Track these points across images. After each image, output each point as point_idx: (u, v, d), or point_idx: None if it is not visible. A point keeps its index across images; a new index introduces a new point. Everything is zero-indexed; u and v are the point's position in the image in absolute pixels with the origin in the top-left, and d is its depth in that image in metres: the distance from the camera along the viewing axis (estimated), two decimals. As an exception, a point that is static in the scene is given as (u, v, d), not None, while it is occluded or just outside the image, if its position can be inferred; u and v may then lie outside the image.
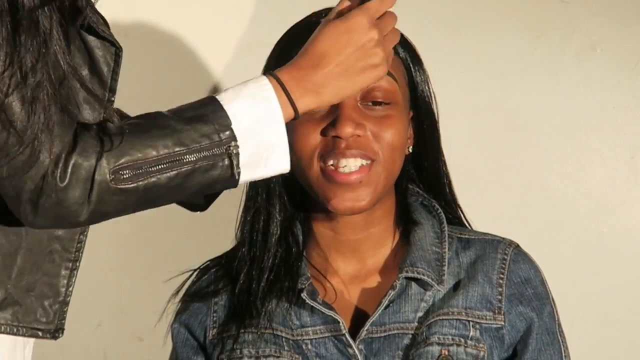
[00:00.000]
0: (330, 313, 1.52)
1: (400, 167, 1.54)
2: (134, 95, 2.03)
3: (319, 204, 1.52)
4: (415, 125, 1.59)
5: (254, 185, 1.58)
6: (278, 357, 1.53)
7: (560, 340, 1.56)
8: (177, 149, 1.25)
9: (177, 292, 1.63)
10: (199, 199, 1.58)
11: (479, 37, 2.07)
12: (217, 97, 1.30)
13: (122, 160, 1.24)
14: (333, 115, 1.49)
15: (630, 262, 2.09)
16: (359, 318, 1.54)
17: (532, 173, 2.08)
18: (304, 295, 1.52)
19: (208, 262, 1.65)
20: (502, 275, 1.56)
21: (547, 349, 1.55)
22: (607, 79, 2.08)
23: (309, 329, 1.54)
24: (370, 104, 1.50)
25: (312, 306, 1.52)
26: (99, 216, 1.26)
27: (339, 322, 1.52)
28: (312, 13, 1.58)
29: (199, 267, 1.64)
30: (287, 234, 1.58)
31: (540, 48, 2.07)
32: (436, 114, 1.60)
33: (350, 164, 1.48)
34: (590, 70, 2.08)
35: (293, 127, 1.47)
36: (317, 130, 1.50)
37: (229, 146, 1.27)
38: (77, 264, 1.34)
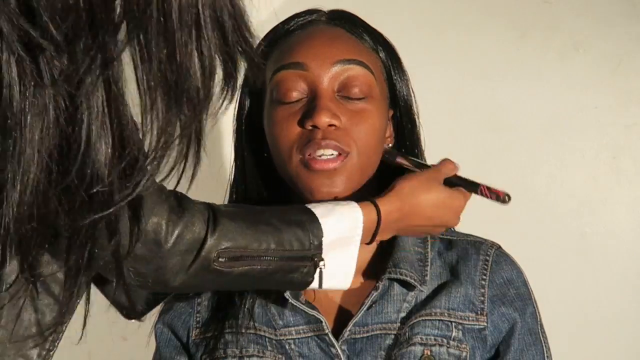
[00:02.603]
0: (313, 313, 1.52)
1: (377, 161, 1.55)
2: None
3: (300, 198, 1.52)
4: (395, 124, 1.60)
5: (234, 190, 1.60)
6: (261, 357, 1.53)
7: (543, 341, 1.57)
8: (274, 247, 1.37)
9: (161, 292, 1.63)
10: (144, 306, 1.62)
11: (462, 36, 2.07)
12: (312, 209, 1.42)
13: (229, 245, 1.33)
14: (311, 105, 1.50)
15: (612, 261, 2.10)
16: (342, 318, 1.55)
17: (514, 173, 2.09)
18: (287, 295, 1.52)
19: (192, 263, 1.65)
20: (484, 277, 1.56)
21: (529, 349, 1.55)
22: (590, 79, 2.08)
23: (292, 328, 1.54)
24: (346, 97, 1.51)
25: (295, 306, 1.53)
26: (189, 287, 1.35)
27: (321, 322, 1.52)
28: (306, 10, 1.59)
29: (182, 268, 1.64)
30: None
31: (523, 48, 2.07)
32: (416, 114, 1.61)
33: (327, 154, 1.50)
34: (572, 70, 2.08)
35: (272, 118, 1.51)
36: (294, 122, 1.51)
37: (315, 255, 1.39)
38: (51, 354, 1.36)
